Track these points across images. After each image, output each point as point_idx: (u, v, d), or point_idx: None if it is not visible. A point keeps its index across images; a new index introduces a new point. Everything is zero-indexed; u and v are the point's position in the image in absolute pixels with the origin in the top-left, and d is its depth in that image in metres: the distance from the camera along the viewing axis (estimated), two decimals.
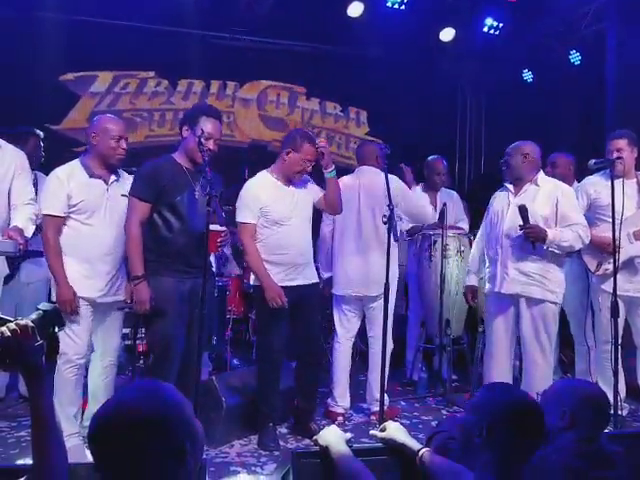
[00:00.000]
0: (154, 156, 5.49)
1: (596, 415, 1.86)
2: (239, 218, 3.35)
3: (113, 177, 3.20)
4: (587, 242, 3.51)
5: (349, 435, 1.94)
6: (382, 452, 2.00)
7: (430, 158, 4.87)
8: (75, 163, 3.17)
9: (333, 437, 1.89)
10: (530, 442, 1.58)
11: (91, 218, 3.09)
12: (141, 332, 4.37)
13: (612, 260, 3.61)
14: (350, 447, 1.88)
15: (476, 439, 1.60)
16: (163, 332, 3.05)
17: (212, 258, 4.34)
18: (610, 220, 3.57)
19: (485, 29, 6.60)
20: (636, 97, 5.10)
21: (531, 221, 3.38)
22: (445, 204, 4.39)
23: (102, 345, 3.26)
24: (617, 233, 3.45)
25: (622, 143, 3.73)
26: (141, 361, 4.56)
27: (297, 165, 3.31)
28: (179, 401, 1.22)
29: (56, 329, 1.46)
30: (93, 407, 3.23)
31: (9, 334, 1.31)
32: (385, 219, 2.93)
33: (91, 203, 3.08)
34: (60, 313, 1.47)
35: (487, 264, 3.77)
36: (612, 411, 3.09)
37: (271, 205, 3.30)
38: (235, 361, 4.53)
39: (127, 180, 3.27)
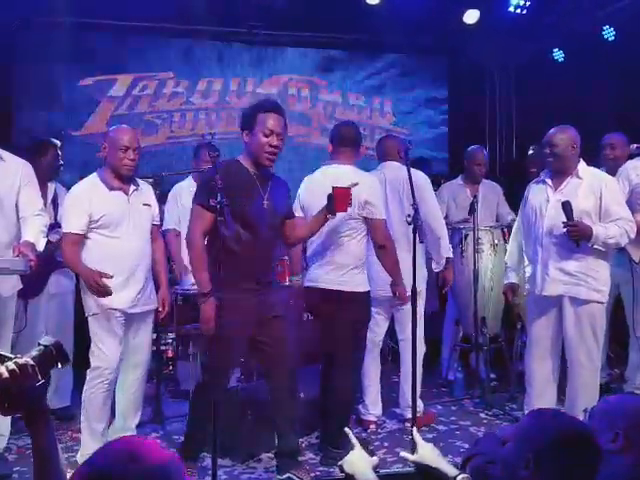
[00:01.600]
0: (176, 158, 5.41)
1: None
2: (379, 215, 3.21)
3: (133, 187, 3.16)
4: (633, 237, 3.28)
5: (376, 460, 1.80)
6: (413, 478, 1.84)
7: (470, 148, 4.66)
8: (93, 178, 3.13)
9: (359, 464, 1.75)
10: (584, 475, 1.41)
11: (116, 231, 3.05)
12: (167, 337, 4.32)
13: None
14: (377, 473, 1.74)
15: (522, 472, 1.43)
16: (218, 356, 2.75)
17: None
18: None
19: (511, 9, 6.31)
20: None
21: (575, 218, 3.15)
22: (475, 196, 4.17)
23: (133, 357, 3.19)
24: None
25: None
26: (170, 368, 4.50)
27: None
28: (158, 465, 1.03)
29: (59, 366, 1.33)
30: (121, 422, 3.16)
31: (7, 376, 1.17)
32: (410, 219, 2.75)
33: (114, 216, 3.04)
34: (63, 348, 1.33)
35: (526, 262, 3.55)
36: None
37: None
38: None
39: (147, 190, 3.26)
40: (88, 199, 3.01)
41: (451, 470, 1.78)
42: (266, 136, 2.71)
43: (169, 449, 1.12)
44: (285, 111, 2.88)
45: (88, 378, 3.04)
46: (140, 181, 4.20)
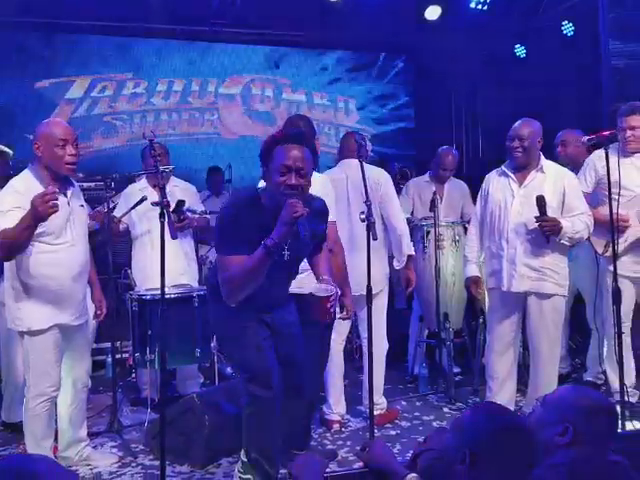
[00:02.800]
0: (137, 160, 5.30)
1: (603, 431, 1.64)
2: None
3: (71, 188, 2.90)
4: (591, 230, 3.33)
5: (327, 462, 1.77)
6: (365, 477, 1.81)
7: (440, 150, 4.64)
8: (28, 177, 2.78)
9: (308, 466, 1.72)
10: (519, 469, 1.39)
11: (58, 238, 2.76)
12: (128, 345, 4.22)
13: (619, 240, 3.41)
14: (336, 472, 1.72)
15: (459, 467, 1.41)
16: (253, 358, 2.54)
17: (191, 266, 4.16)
18: (619, 199, 3.37)
19: (472, 4, 6.35)
20: (632, 66, 4.85)
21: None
22: (435, 193, 4.16)
23: (72, 370, 2.99)
24: (623, 211, 3.33)
25: (636, 119, 3.47)
26: (132, 375, 4.41)
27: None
28: None
29: None
30: (67, 432, 3.03)
31: None
32: (363, 216, 2.71)
33: (56, 223, 2.70)
34: None
35: (484, 257, 3.54)
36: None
37: None
38: (229, 370, 4.34)
39: (78, 190, 2.99)
40: (26, 202, 2.58)
41: (401, 470, 1.75)
42: (282, 174, 2.30)
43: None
44: (310, 138, 2.53)
45: (28, 397, 2.80)
46: (177, 180, 4.07)
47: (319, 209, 2.51)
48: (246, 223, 2.33)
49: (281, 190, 2.30)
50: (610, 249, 3.43)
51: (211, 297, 2.69)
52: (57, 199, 2.52)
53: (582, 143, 3.10)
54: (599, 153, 3.52)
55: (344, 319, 3.32)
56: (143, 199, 3.72)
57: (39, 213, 2.48)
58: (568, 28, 6.20)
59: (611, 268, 3.43)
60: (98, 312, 3.21)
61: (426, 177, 4.68)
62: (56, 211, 2.52)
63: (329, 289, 2.51)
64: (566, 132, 4.08)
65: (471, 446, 1.40)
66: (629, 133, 3.48)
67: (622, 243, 3.45)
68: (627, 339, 3.53)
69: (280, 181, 2.30)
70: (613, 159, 3.40)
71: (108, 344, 4.12)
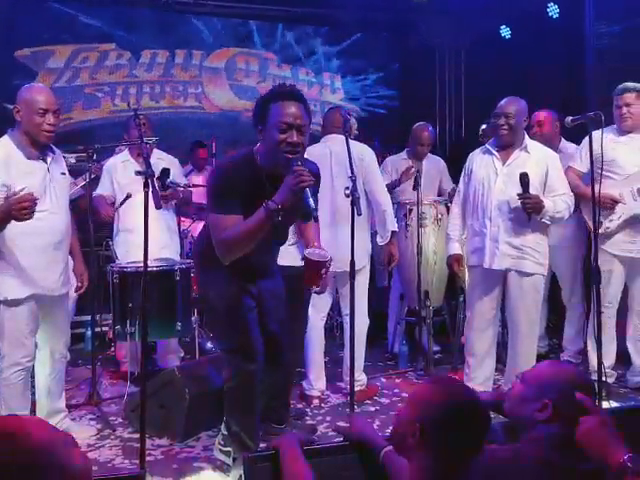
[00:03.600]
0: (118, 131, 5.20)
1: (581, 407, 1.67)
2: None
3: (50, 154, 2.85)
4: (572, 211, 3.38)
5: (310, 436, 1.79)
6: (346, 450, 1.83)
7: (416, 125, 4.62)
8: (6, 144, 2.74)
9: (287, 441, 1.73)
10: (468, 445, 1.42)
11: (37, 206, 2.65)
12: (108, 318, 4.20)
13: (612, 218, 3.54)
14: (310, 446, 1.74)
15: (409, 440, 1.43)
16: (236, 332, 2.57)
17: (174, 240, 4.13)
18: (614, 177, 3.51)
19: None
20: (615, 48, 4.87)
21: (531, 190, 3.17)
22: (418, 171, 4.17)
23: (50, 340, 2.97)
24: (617, 190, 3.45)
25: (631, 97, 3.52)
26: (112, 349, 4.40)
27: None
28: (40, 447, 0.95)
29: None
30: (46, 403, 3.02)
31: None
32: (347, 191, 2.70)
33: (35, 189, 2.66)
34: None
35: (467, 235, 3.57)
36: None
37: None
38: (209, 344, 4.35)
39: (60, 156, 2.96)
40: (5, 169, 2.65)
41: (381, 442, 1.78)
42: (283, 132, 2.23)
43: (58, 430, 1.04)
44: (305, 98, 2.37)
45: (2, 367, 2.77)
46: (161, 153, 4.05)
47: (314, 173, 2.43)
48: (241, 182, 2.29)
49: (282, 148, 2.24)
50: (603, 226, 3.51)
51: (198, 267, 2.67)
52: (35, 205, 2.52)
53: (567, 123, 3.10)
54: (598, 133, 3.56)
55: (318, 293, 3.35)
56: (128, 197, 3.71)
57: (12, 216, 2.51)
58: (553, 10, 6.19)
59: (603, 247, 3.51)
60: (79, 284, 3.18)
61: (403, 154, 4.67)
62: (30, 218, 2.52)
63: (322, 254, 2.52)
64: (542, 112, 4.10)
65: (421, 420, 1.41)
66: (624, 110, 3.53)
67: (615, 220, 3.52)
68: (612, 320, 3.61)
69: (280, 139, 2.23)
70: (610, 137, 3.49)
71: (88, 317, 4.10)
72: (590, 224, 3.59)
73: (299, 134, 2.26)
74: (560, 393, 1.63)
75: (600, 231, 3.53)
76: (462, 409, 1.43)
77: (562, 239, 3.97)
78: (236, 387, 2.56)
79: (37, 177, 2.75)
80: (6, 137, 2.78)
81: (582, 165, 3.61)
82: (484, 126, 4.93)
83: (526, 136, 3.41)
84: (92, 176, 3.68)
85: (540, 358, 3.66)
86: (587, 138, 3.62)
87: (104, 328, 4.36)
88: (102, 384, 3.83)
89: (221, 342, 2.82)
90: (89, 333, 4.25)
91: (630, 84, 3.55)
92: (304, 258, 2.49)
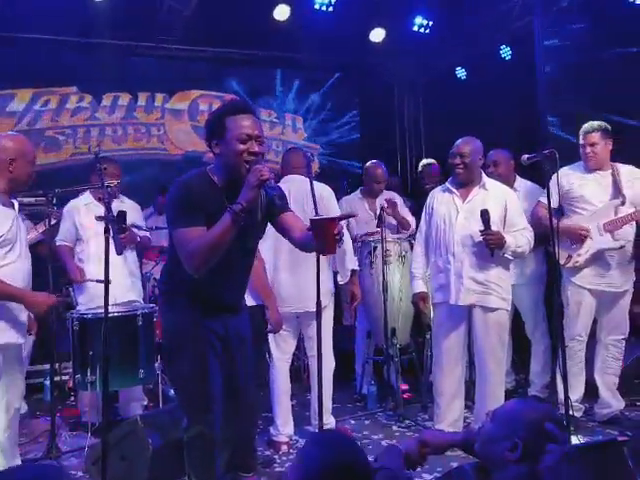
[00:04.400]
0: (80, 176, 5.13)
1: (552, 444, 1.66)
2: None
3: (16, 202, 2.86)
4: (532, 246, 3.46)
5: None
6: None
7: (369, 164, 4.69)
8: None
9: None
10: None
11: (11, 252, 2.71)
12: (68, 367, 4.06)
13: (581, 252, 3.60)
14: None
15: None
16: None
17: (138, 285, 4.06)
18: (582, 212, 3.63)
19: (415, 28, 6.51)
20: (565, 89, 5.09)
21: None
22: (382, 208, 4.22)
23: (6, 394, 2.81)
24: (585, 224, 3.57)
25: (595, 137, 3.62)
26: (72, 398, 4.25)
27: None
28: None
29: None
30: (2, 463, 2.85)
31: None
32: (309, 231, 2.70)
33: (11, 235, 2.71)
34: None
35: (430, 271, 3.59)
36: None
37: None
38: (173, 391, 4.22)
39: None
40: None
41: None
42: (243, 142, 2.25)
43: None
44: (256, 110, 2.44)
45: None
46: (122, 197, 4.07)
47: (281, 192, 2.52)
48: (202, 197, 2.26)
49: (244, 157, 2.25)
50: (572, 260, 3.59)
51: (162, 306, 2.60)
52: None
53: (523, 161, 3.20)
54: (566, 170, 3.68)
55: (271, 332, 3.32)
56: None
57: (32, 309, 2.77)
58: (506, 52, 6.46)
59: (573, 279, 3.59)
60: (32, 332, 3.07)
61: (358, 193, 4.72)
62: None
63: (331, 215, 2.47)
64: (497, 152, 4.20)
65: (305, 477, 1.45)
66: (589, 149, 3.63)
67: (584, 255, 3.60)
68: (582, 353, 3.65)
69: (241, 149, 2.24)
70: (577, 175, 3.64)
71: (47, 366, 3.96)
72: (560, 258, 3.67)
73: (258, 144, 2.29)
74: (530, 432, 1.63)
75: (569, 265, 3.63)
76: (337, 471, 1.44)
77: (523, 276, 4.05)
78: (193, 438, 2.45)
79: (10, 223, 2.74)
80: None
81: (552, 201, 3.71)
82: (423, 162, 5.09)
83: (483, 174, 3.50)
84: (52, 222, 3.61)
85: (508, 394, 3.67)
86: (555, 175, 3.78)
87: (64, 377, 4.21)
88: (62, 436, 3.68)
89: (175, 388, 2.69)
90: (48, 383, 4.09)
91: (595, 123, 3.67)
92: (311, 222, 2.26)
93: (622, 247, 3.55)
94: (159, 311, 2.65)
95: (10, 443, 2.87)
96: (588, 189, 3.63)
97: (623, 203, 3.55)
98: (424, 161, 5.33)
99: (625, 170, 3.65)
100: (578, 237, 3.59)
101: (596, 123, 3.67)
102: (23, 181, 2.83)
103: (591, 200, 3.62)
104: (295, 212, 2.95)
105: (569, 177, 3.71)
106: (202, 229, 2.24)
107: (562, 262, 3.64)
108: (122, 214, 3.62)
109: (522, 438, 1.61)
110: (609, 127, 3.66)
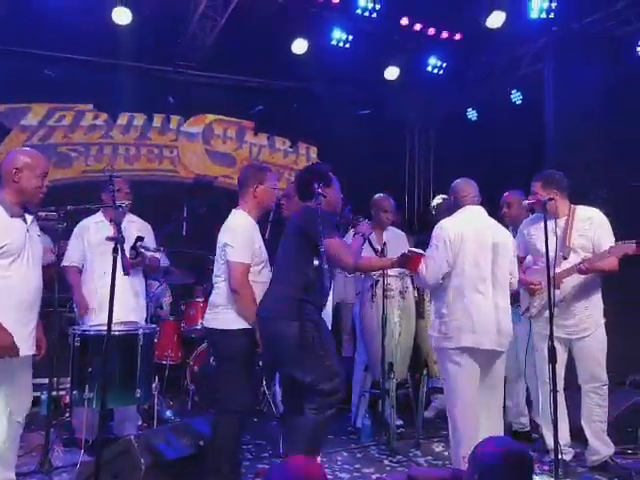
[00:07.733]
0: (90, 194, 5.24)
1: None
2: (238, 258, 3.11)
3: (30, 216, 2.92)
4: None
5: None
6: None
7: (377, 196, 4.74)
8: None
9: None
10: None
11: (15, 262, 2.76)
12: (65, 382, 4.08)
13: (535, 304, 3.65)
14: None
15: None
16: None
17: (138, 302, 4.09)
18: (539, 263, 3.62)
19: (429, 68, 6.66)
20: (572, 134, 5.19)
21: None
22: (385, 243, 4.26)
23: (11, 404, 2.85)
24: (542, 276, 3.41)
25: (536, 186, 3.59)
26: (67, 414, 4.25)
27: (269, 198, 3.35)
28: None
29: None
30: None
31: None
32: (316, 263, 2.78)
33: (15, 245, 2.76)
34: None
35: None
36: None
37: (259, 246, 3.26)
38: (168, 413, 4.24)
39: (35, 220, 3.00)
40: None
41: None
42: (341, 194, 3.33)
43: None
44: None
45: None
46: (133, 216, 4.11)
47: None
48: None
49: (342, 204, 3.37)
50: (529, 312, 3.66)
51: (290, 314, 2.98)
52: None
53: (524, 205, 3.25)
54: (528, 220, 3.72)
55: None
56: None
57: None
58: (517, 97, 6.59)
59: (536, 329, 3.59)
60: (36, 350, 3.10)
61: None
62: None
63: (417, 251, 3.36)
64: (510, 194, 4.24)
65: None
66: (530, 199, 3.60)
67: (537, 306, 3.63)
68: (561, 397, 3.62)
69: (341, 197, 3.35)
70: (536, 225, 3.62)
71: (45, 380, 3.97)
72: (523, 304, 3.76)
73: None
74: (484, 469, 1.67)
75: (527, 315, 3.67)
76: None
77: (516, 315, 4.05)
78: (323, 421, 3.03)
79: (16, 235, 2.80)
80: None
81: (519, 251, 3.74)
82: (438, 200, 5.06)
83: None
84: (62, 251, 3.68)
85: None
86: (522, 224, 3.85)
87: (61, 392, 4.22)
88: (55, 451, 3.68)
89: (314, 381, 3.03)
90: (44, 397, 4.10)
91: (544, 172, 3.68)
92: (410, 252, 3.35)
93: (561, 301, 3.48)
94: (281, 317, 3.01)
95: (10, 454, 2.90)
96: (539, 240, 3.50)
97: (565, 257, 3.50)
98: (443, 196, 5.27)
99: (583, 215, 3.59)
100: (530, 290, 3.64)
101: (546, 172, 3.68)
102: (30, 193, 2.86)
103: (543, 251, 3.39)
104: None
105: (528, 227, 3.73)
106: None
107: (521, 312, 3.73)
108: (140, 239, 3.71)
109: (479, 475, 1.66)
110: (555, 177, 3.62)
